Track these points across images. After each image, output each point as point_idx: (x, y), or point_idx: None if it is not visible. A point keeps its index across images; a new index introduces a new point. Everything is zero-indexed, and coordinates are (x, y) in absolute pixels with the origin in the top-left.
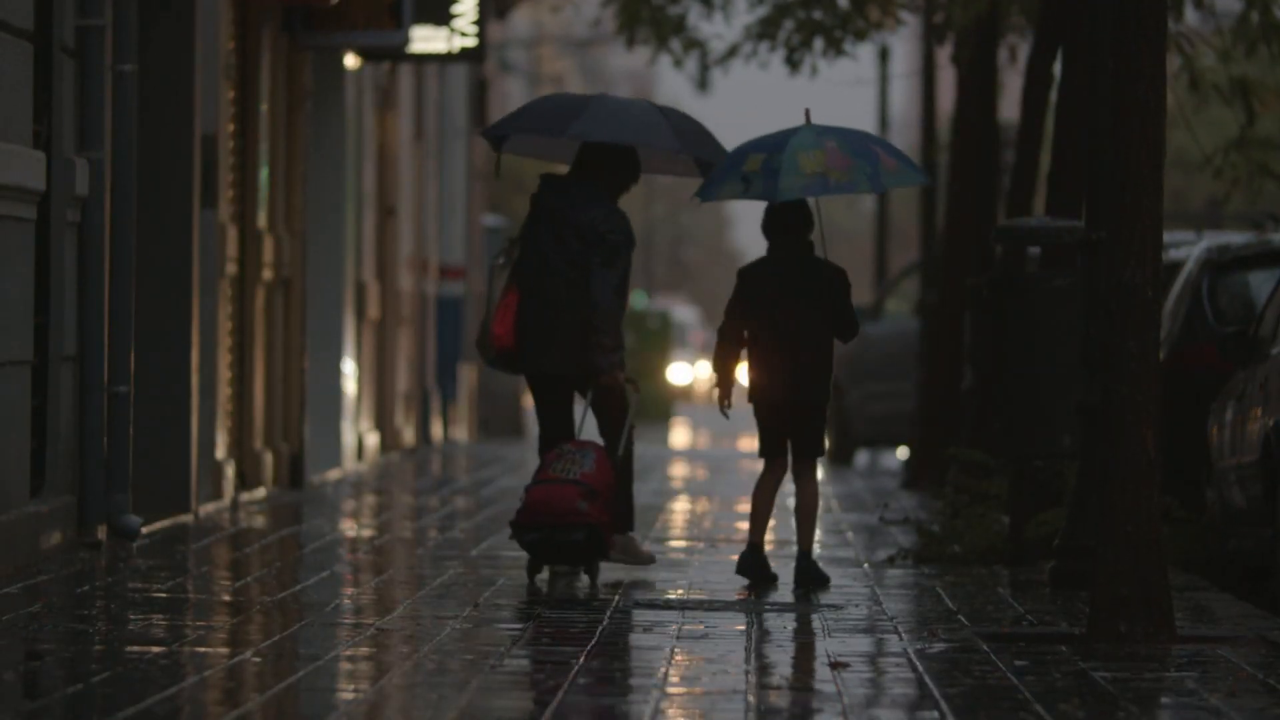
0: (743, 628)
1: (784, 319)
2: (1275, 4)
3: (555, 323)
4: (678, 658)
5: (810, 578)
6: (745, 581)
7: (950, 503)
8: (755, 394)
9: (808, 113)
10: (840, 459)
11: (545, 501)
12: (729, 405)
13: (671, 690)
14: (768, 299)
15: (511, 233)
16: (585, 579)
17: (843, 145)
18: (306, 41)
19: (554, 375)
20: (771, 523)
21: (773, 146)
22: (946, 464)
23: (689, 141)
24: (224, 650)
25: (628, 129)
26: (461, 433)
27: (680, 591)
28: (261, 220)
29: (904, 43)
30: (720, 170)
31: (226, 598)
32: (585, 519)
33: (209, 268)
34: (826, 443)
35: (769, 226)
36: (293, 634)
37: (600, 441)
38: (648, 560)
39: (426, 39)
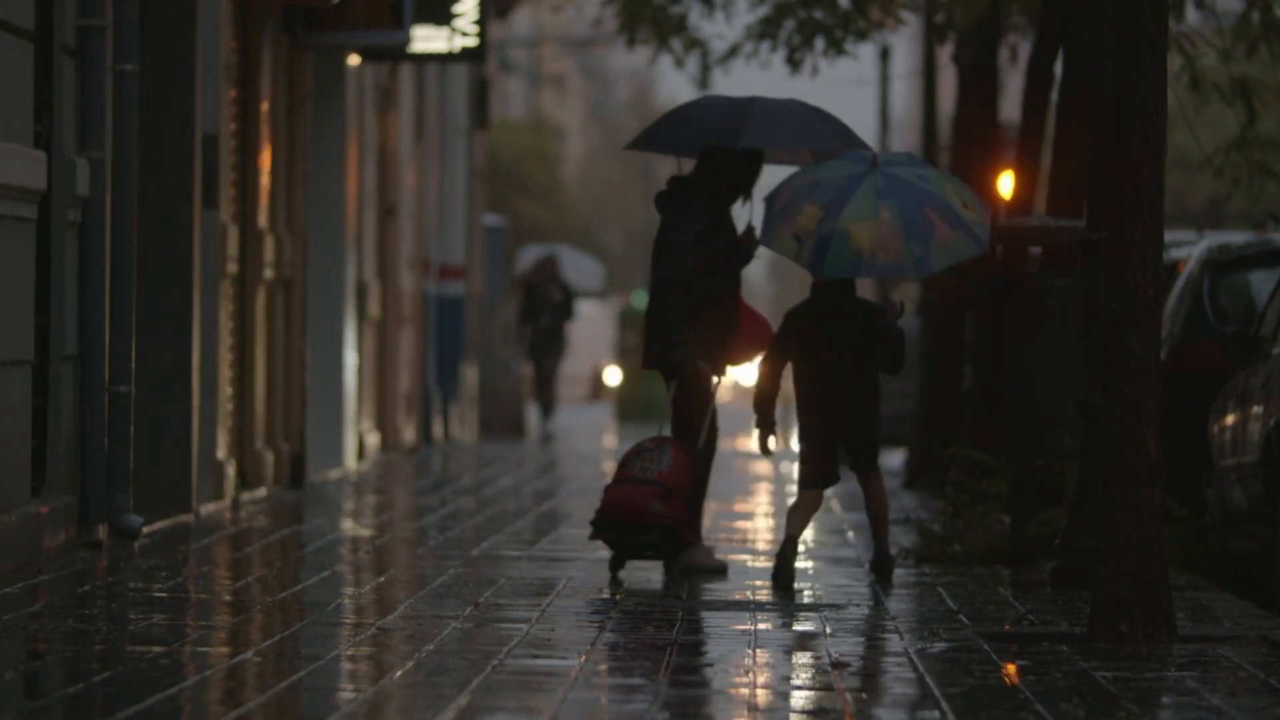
0: (743, 628)
1: (829, 359)
2: (1276, 4)
3: (648, 321)
4: (678, 657)
5: (886, 573)
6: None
7: (951, 502)
8: (804, 429)
9: (875, 158)
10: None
11: (621, 502)
12: (774, 447)
13: (672, 690)
14: (812, 341)
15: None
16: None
17: (898, 218)
18: (307, 41)
19: (657, 371)
20: (769, 523)
21: (832, 202)
22: (947, 464)
23: (844, 139)
24: (225, 650)
25: (794, 135)
26: (463, 432)
27: (682, 591)
28: (262, 220)
29: (905, 42)
30: (779, 212)
31: (227, 597)
32: (659, 520)
33: (210, 267)
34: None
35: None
36: (294, 634)
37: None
38: (720, 568)
39: (427, 39)
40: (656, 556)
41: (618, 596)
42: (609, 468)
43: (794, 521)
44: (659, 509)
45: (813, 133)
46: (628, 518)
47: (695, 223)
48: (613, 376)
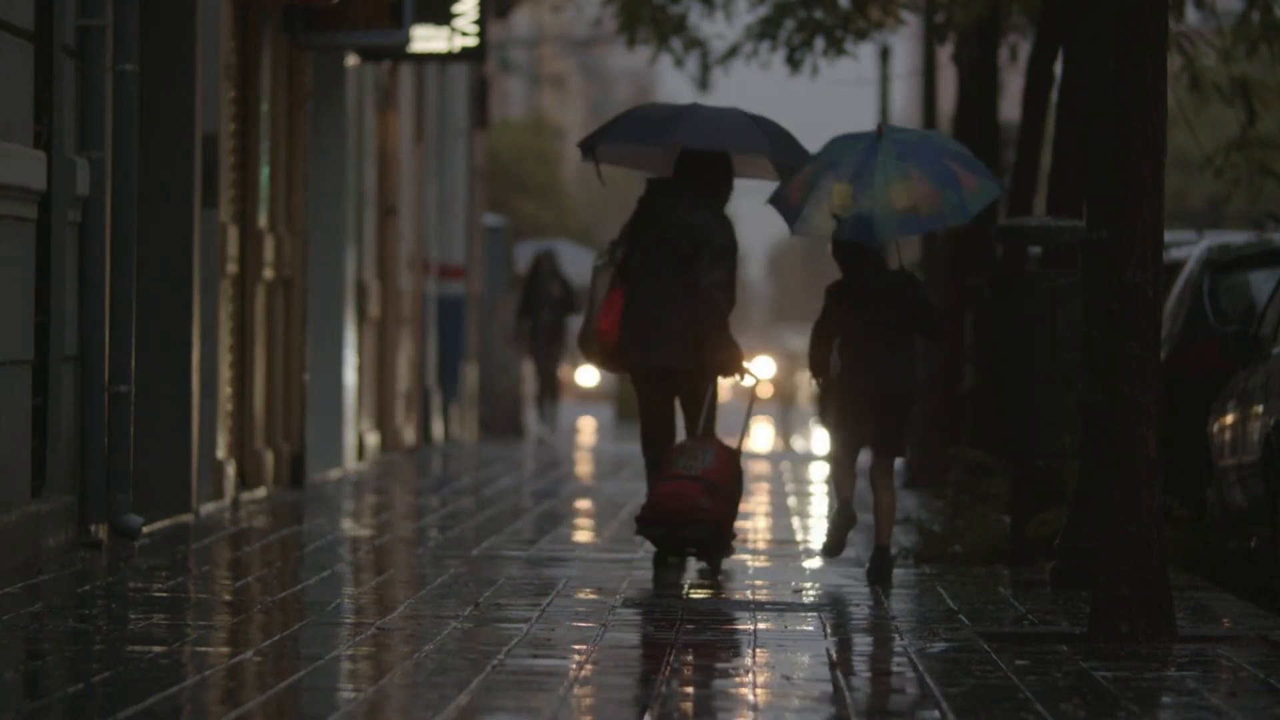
0: (743, 627)
1: (865, 322)
2: (1276, 4)
3: (664, 320)
4: (677, 657)
5: (885, 573)
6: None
7: (951, 502)
8: (838, 391)
9: (880, 127)
10: None
11: (669, 498)
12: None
13: (671, 690)
14: (849, 306)
15: (510, 229)
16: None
17: (924, 170)
18: (307, 41)
19: (659, 370)
20: (768, 522)
21: (857, 175)
22: (947, 464)
23: (779, 147)
24: (225, 650)
25: (725, 136)
26: (462, 432)
27: (681, 591)
28: (262, 220)
29: (905, 42)
30: (807, 199)
31: (227, 597)
32: (707, 515)
33: (210, 267)
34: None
35: (841, 256)
36: (293, 633)
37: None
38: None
39: (427, 38)
40: (700, 553)
41: (680, 594)
42: (607, 468)
43: (841, 487)
44: (706, 504)
45: (744, 137)
46: (677, 514)
47: (723, 223)
48: (586, 377)
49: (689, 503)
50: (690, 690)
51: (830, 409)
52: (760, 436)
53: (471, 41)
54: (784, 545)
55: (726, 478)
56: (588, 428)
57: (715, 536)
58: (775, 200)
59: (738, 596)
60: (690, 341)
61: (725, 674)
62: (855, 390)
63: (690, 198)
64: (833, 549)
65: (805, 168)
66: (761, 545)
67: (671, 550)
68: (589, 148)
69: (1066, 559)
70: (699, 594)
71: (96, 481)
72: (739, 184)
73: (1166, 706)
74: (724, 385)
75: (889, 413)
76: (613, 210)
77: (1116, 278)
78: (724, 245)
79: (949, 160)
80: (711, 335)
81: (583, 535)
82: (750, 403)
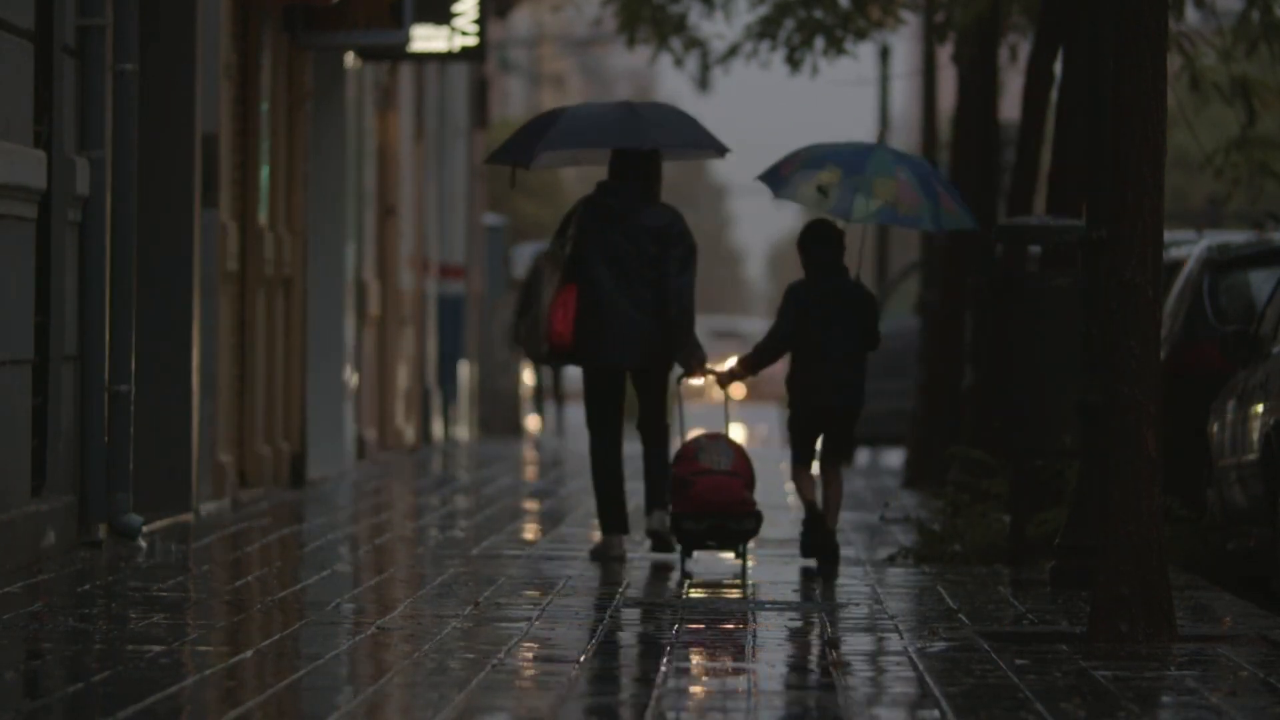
0: (742, 627)
1: (828, 335)
2: (1276, 3)
3: (632, 320)
4: (677, 657)
5: (831, 550)
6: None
7: (951, 502)
8: (797, 402)
9: (881, 134)
10: None
11: (715, 491)
12: (734, 394)
13: (671, 689)
14: (813, 316)
15: (505, 230)
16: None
17: (912, 179)
18: (307, 41)
19: (622, 370)
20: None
21: (850, 163)
22: (947, 463)
23: (690, 132)
24: (225, 650)
25: (683, 134)
26: (462, 431)
27: (680, 591)
28: (262, 219)
29: (905, 42)
30: (794, 174)
31: (227, 597)
32: (752, 507)
33: (210, 267)
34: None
35: (809, 246)
36: (293, 633)
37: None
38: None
39: (427, 38)
40: (723, 545)
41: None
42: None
43: (805, 491)
44: (749, 497)
45: (695, 132)
46: (727, 507)
47: (685, 223)
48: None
49: (736, 496)
50: (689, 690)
51: (788, 421)
52: (741, 437)
53: (471, 41)
54: (783, 545)
55: (750, 471)
56: (534, 425)
57: (759, 525)
58: (765, 175)
59: (737, 596)
60: (657, 340)
61: (725, 674)
62: (815, 404)
63: (647, 198)
64: (816, 551)
65: (802, 150)
66: (754, 544)
67: (699, 546)
68: (525, 159)
69: (1066, 559)
70: (696, 593)
71: (96, 481)
72: (742, 185)
73: (1166, 706)
74: (699, 386)
75: (842, 424)
76: None
77: (1116, 277)
78: (692, 246)
79: (936, 183)
80: (680, 336)
81: (582, 534)
82: (726, 404)
